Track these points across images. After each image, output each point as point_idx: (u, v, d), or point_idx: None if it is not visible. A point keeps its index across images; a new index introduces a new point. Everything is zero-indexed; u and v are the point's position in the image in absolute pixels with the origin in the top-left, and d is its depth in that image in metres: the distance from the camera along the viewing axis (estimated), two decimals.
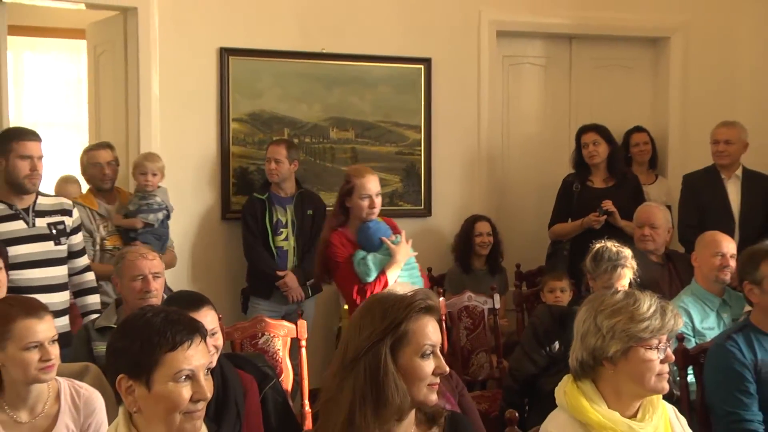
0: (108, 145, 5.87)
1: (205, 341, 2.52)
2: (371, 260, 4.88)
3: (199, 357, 2.47)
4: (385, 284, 4.82)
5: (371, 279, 4.87)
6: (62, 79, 8.41)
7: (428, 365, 2.62)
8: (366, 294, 4.78)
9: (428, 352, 2.62)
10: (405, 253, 4.96)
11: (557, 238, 6.58)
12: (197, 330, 2.50)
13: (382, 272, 4.91)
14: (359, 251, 4.91)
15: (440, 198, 6.97)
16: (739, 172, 6.40)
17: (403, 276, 4.98)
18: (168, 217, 5.95)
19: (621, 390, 2.90)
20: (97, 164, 5.76)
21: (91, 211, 5.65)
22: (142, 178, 5.77)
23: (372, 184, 5.01)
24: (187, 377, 2.43)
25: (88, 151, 5.86)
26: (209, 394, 2.49)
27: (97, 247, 5.69)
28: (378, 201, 5.03)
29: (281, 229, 5.96)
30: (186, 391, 2.43)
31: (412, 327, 2.62)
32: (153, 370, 2.41)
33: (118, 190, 5.97)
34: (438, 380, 2.68)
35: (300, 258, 6.03)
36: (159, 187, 5.89)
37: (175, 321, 2.49)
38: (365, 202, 4.93)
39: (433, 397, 2.66)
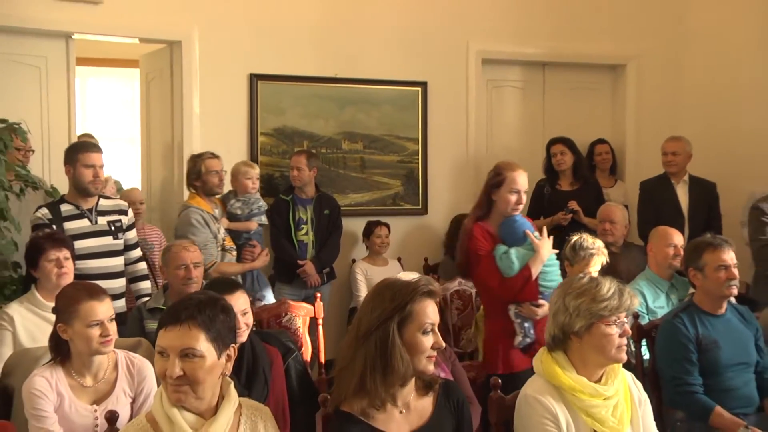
0: (218, 156, 5.74)
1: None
2: (514, 254, 4.41)
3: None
4: (529, 278, 4.34)
5: (514, 273, 4.37)
6: (119, 101, 8.52)
7: (428, 340, 2.66)
8: (509, 288, 4.37)
9: (428, 329, 2.67)
10: (548, 248, 4.47)
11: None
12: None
13: (525, 266, 4.37)
14: (500, 245, 4.48)
15: (434, 199, 7.03)
16: (686, 178, 6.51)
17: (546, 272, 4.47)
18: None
19: (587, 359, 2.96)
20: (214, 172, 5.53)
21: (209, 215, 5.45)
22: (248, 183, 5.68)
23: (522, 179, 4.52)
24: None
25: (204, 160, 5.57)
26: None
27: (219, 248, 5.53)
28: (524, 198, 4.57)
29: (302, 226, 6.01)
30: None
31: (416, 308, 2.65)
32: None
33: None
34: (435, 353, 2.71)
35: (317, 250, 6.08)
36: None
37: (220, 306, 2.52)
38: (513, 197, 4.46)
39: (431, 368, 2.70)
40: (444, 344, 2.78)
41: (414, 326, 2.67)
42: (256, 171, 5.82)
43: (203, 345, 2.43)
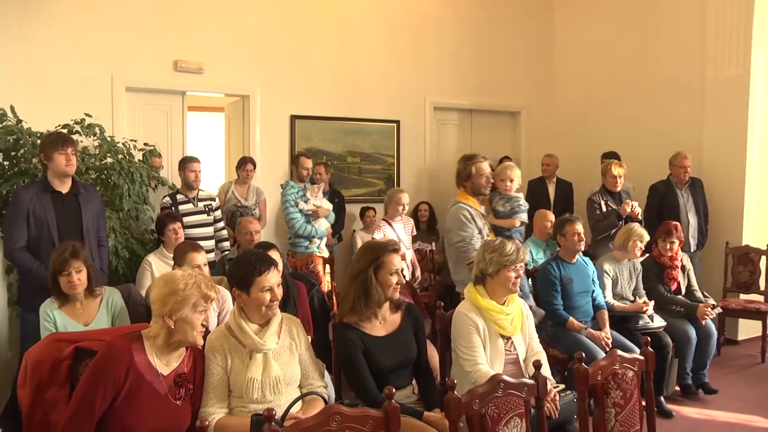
0: (487, 158, 4.44)
1: (277, 269, 2.50)
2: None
3: (273, 278, 2.45)
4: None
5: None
6: (211, 133, 8.44)
7: (394, 278, 2.65)
8: None
9: (393, 272, 2.65)
10: None
11: None
12: (272, 263, 2.48)
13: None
14: None
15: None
16: (555, 179, 6.63)
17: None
18: None
19: (496, 291, 2.94)
20: (484, 175, 4.01)
21: (476, 211, 4.02)
22: (503, 185, 4.32)
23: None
24: (268, 289, 2.42)
25: (475, 163, 4.08)
26: (279, 298, 2.48)
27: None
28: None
29: None
30: (267, 296, 2.42)
31: (386, 259, 2.64)
32: (250, 286, 2.41)
33: None
34: (399, 286, 2.70)
35: (332, 223, 5.98)
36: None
37: (261, 259, 2.48)
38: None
39: (397, 295, 2.69)
40: (405, 281, 2.78)
41: (384, 270, 2.67)
42: (515, 172, 4.42)
43: None
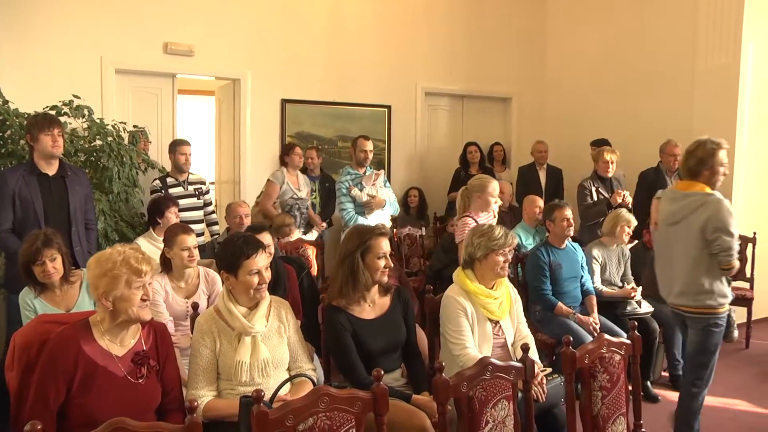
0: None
1: (265, 252, 2.48)
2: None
3: (261, 261, 2.43)
4: None
5: None
6: (202, 116, 8.37)
7: (381, 262, 2.64)
8: None
9: (381, 255, 2.64)
10: None
11: (452, 200, 6.52)
12: (260, 246, 2.46)
13: None
14: None
15: (395, 177, 6.89)
16: (546, 165, 6.56)
17: None
18: None
19: (484, 275, 2.93)
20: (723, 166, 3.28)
21: None
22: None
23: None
24: (256, 272, 2.40)
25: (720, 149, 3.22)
26: (268, 281, 2.45)
27: None
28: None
29: (313, 193, 5.85)
30: (255, 279, 2.39)
31: (373, 243, 2.63)
32: (238, 269, 2.39)
33: None
34: (387, 270, 2.69)
35: (322, 208, 5.94)
36: None
37: (249, 242, 2.45)
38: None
39: (385, 279, 2.69)
40: (392, 265, 2.77)
41: (372, 254, 2.67)
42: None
43: None
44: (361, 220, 4.79)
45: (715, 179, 3.23)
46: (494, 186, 3.99)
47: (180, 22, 5.77)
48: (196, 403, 1.79)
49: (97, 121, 4.78)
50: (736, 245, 3.10)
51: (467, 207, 4.03)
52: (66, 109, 4.58)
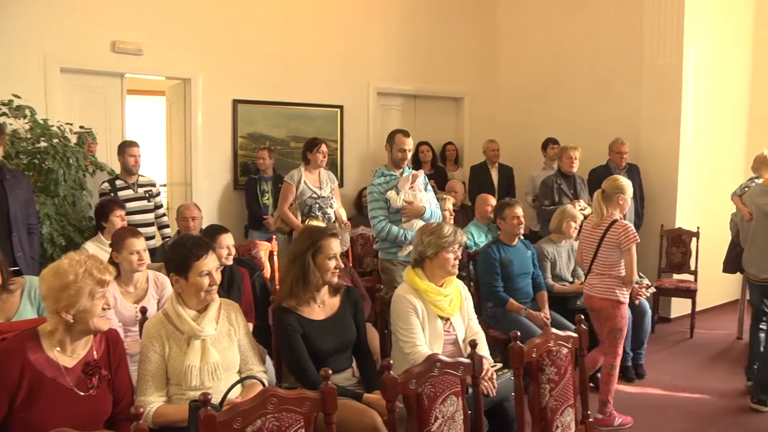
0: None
1: (215, 253, 2.47)
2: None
3: (212, 262, 2.41)
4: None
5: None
6: (152, 116, 8.22)
7: (332, 263, 2.64)
8: None
9: (332, 256, 2.64)
10: None
11: None
12: (210, 247, 2.44)
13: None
14: None
15: (348, 178, 6.92)
16: (497, 164, 6.65)
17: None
18: None
19: (434, 273, 2.95)
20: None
21: None
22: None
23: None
24: (207, 274, 2.38)
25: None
26: (218, 282, 2.43)
27: None
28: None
29: (265, 194, 5.83)
30: (205, 281, 2.37)
31: (324, 243, 2.63)
32: (188, 271, 2.37)
33: None
34: (338, 271, 2.70)
35: (275, 209, 5.86)
36: None
37: (198, 243, 2.43)
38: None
39: (335, 279, 2.68)
40: (343, 265, 2.78)
41: (323, 255, 2.67)
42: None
43: None
44: (394, 231, 4.03)
45: None
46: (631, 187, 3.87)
47: (128, 20, 5.65)
48: (141, 410, 1.77)
49: (41, 121, 4.65)
50: None
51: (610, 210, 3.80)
52: (5, 110, 4.44)
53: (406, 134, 4.22)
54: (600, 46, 6.68)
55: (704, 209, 6.18)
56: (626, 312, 3.80)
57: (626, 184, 3.83)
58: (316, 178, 4.95)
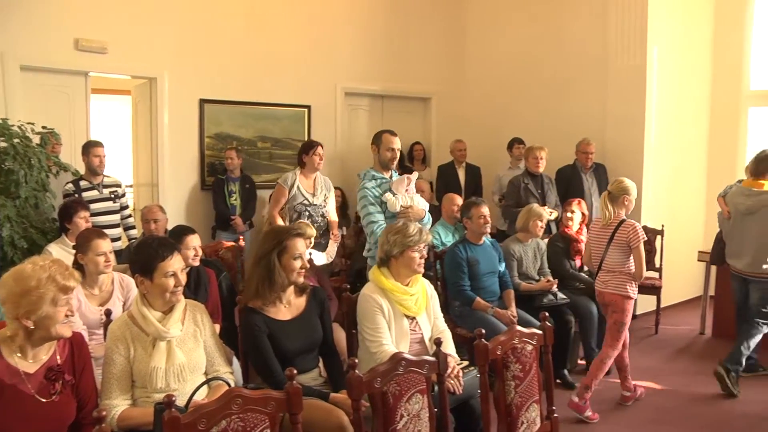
0: None
1: (180, 254, 2.46)
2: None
3: (177, 263, 2.40)
4: None
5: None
6: (117, 116, 8.11)
7: (297, 263, 2.66)
8: None
9: (297, 256, 2.65)
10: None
11: None
12: (175, 248, 2.44)
13: None
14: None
15: None
16: (464, 164, 6.74)
17: None
18: None
19: (400, 272, 2.99)
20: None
21: None
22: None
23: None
24: (172, 275, 2.37)
25: None
26: (184, 283, 2.43)
27: None
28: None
29: (233, 194, 5.83)
30: (170, 282, 2.37)
31: (289, 243, 2.65)
32: (153, 272, 2.36)
33: None
34: (303, 271, 2.71)
35: (243, 209, 5.90)
36: None
37: (164, 244, 2.43)
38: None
39: (301, 279, 2.69)
40: (309, 265, 2.79)
41: (288, 255, 2.68)
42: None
43: None
44: None
45: None
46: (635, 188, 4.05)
47: (92, 17, 5.56)
48: (104, 413, 1.76)
49: (0, 121, 4.56)
50: None
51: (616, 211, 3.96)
52: None
53: (393, 133, 4.12)
54: (566, 47, 6.79)
55: (668, 208, 6.33)
56: (632, 307, 4.02)
57: (631, 185, 4.03)
58: (311, 183, 4.75)
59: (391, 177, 4.04)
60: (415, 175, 4.09)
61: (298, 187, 4.66)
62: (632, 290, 3.94)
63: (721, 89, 6.74)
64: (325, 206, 4.74)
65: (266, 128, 6.59)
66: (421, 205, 4.02)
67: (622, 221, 3.95)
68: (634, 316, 6.17)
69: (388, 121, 7.48)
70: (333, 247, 4.78)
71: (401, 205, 3.91)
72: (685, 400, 4.22)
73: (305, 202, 4.63)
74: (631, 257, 3.89)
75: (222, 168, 6.09)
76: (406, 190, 3.96)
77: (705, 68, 6.75)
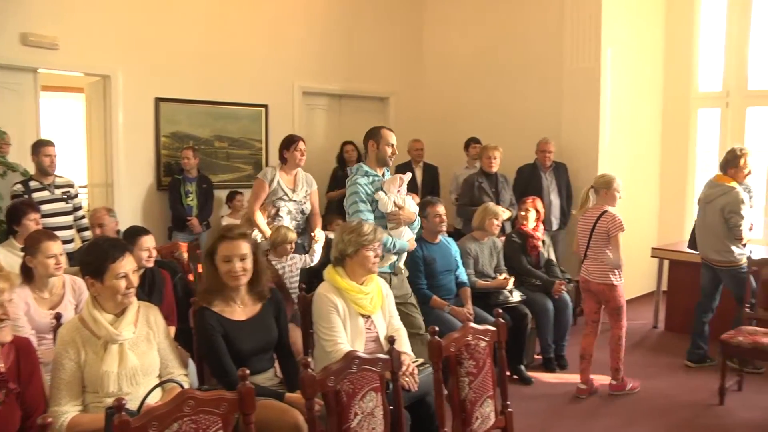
0: None
1: (132, 254, 2.44)
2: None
3: (128, 264, 2.38)
4: None
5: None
6: (70, 114, 7.95)
7: (228, 266, 2.63)
8: None
9: (229, 260, 2.63)
10: None
11: (331, 199, 6.69)
12: (126, 249, 2.41)
13: None
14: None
15: None
16: (422, 164, 6.85)
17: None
18: None
19: (355, 271, 3.00)
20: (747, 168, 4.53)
21: None
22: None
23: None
24: (123, 276, 2.35)
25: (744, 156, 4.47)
26: (136, 284, 2.41)
27: None
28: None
29: (189, 194, 5.79)
30: (122, 283, 2.34)
31: (218, 246, 2.62)
32: (104, 274, 2.34)
33: None
34: (240, 274, 2.65)
35: (199, 210, 5.85)
36: None
37: (115, 245, 2.41)
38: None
39: (238, 282, 2.66)
40: (248, 268, 2.67)
41: (218, 257, 2.66)
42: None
43: None
44: (386, 239, 3.54)
45: (739, 176, 4.53)
46: (619, 181, 4.31)
47: (41, 11, 5.41)
48: (50, 420, 1.74)
49: None
50: (744, 223, 4.43)
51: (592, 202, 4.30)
52: None
53: (390, 129, 3.97)
54: (522, 48, 6.91)
55: (623, 206, 6.43)
56: (622, 291, 4.28)
57: (611, 179, 4.31)
58: (292, 179, 4.65)
59: (383, 175, 3.83)
60: (408, 176, 3.83)
61: (278, 183, 4.57)
62: (615, 278, 4.18)
63: (672, 91, 6.95)
64: (305, 203, 4.66)
65: (224, 128, 6.55)
66: (413, 207, 3.83)
67: (604, 212, 4.17)
68: None
69: (347, 121, 7.52)
70: (317, 247, 4.63)
71: (394, 202, 3.70)
72: (640, 391, 4.37)
73: (285, 198, 4.56)
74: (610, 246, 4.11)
75: (178, 168, 6.02)
76: (398, 191, 3.75)
77: (657, 71, 6.95)
